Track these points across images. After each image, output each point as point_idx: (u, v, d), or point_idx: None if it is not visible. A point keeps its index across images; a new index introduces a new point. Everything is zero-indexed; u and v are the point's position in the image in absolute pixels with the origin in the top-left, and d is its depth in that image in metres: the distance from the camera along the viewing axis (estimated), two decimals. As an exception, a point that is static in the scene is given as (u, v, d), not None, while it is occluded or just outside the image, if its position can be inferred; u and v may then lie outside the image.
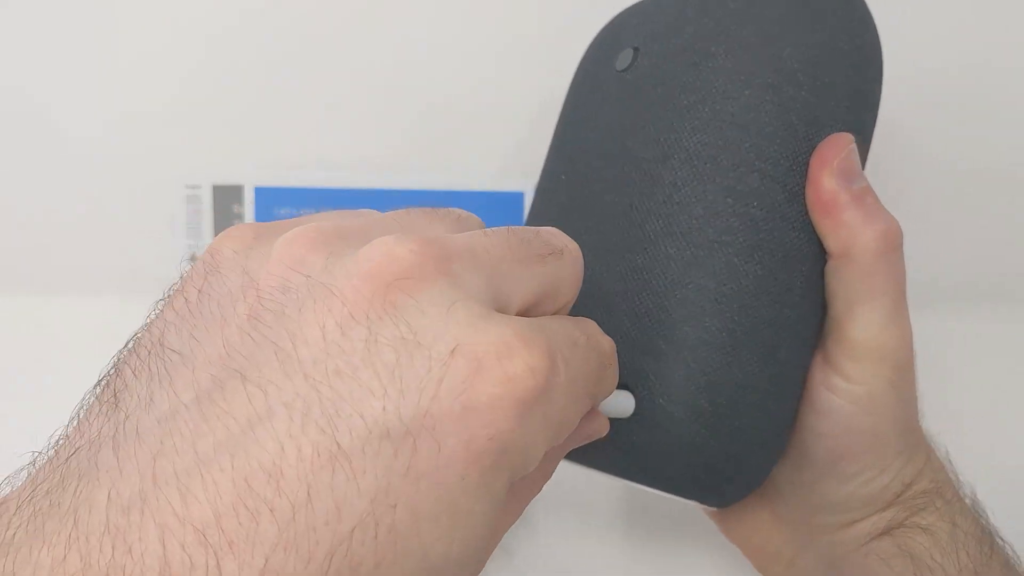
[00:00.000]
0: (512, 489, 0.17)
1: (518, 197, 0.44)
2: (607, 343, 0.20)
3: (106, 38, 0.43)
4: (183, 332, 0.16)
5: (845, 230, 0.25)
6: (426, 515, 0.15)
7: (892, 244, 0.26)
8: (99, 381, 0.17)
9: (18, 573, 0.13)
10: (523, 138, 0.44)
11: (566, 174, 0.31)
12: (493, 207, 0.44)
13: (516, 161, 0.45)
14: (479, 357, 0.15)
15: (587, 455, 0.27)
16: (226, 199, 0.44)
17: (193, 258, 0.45)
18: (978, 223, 0.47)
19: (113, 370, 0.17)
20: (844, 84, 0.27)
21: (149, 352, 0.17)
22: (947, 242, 0.48)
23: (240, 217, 0.44)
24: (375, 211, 0.20)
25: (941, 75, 0.43)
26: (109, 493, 0.14)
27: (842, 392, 0.27)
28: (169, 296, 0.18)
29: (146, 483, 0.14)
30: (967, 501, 0.30)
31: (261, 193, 0.44)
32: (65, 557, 0.13)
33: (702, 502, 0.27)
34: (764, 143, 0.25)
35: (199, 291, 0.17)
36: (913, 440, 0.28)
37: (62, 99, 0.44)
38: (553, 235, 0.20)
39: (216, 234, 0.44)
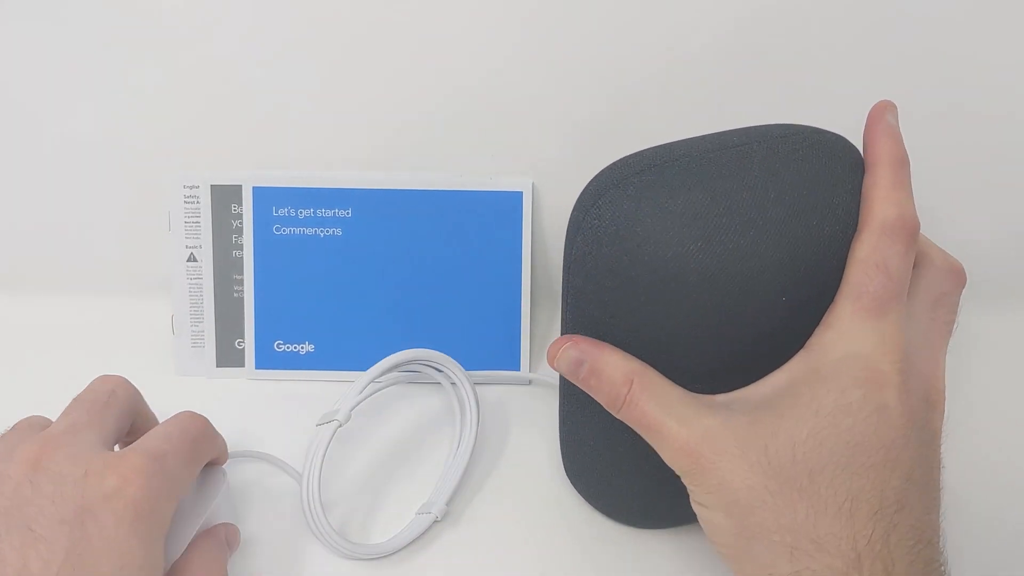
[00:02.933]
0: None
1: (517, 197, 0.44)
2: (196, 425, 0.33)
3: (104, 39, 0.43)
4: None
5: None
6: (100, 556, 0.27)
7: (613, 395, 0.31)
8: None
9: None
10: (523, 138, 0.44)
11: None
12: (493, 206, 0.44)
13: (516, 161, 0.45)
14: (101, 471, 0.29)
15: None
16: (225, 199, 0.44)
17: (192, 258, 0.45)
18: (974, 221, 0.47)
19: None
20: None
21: None
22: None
23: (239, 217, 0.44)
24: (31, 421, 0.33)
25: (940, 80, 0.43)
26: None
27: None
28: None
29: None
30: None
31: (259, 193, 0.44)
32: None
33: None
34: None
35: None
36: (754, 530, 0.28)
37: (60, 100, 0.44)
38: (103, 383, 0.34)
39: (214, 234, 0.45)
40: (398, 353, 0.38)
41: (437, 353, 0.40)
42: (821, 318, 0.30)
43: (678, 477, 0.30)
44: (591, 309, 0.32)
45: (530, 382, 0.45)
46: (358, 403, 0.37)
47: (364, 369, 0.38)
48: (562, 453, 0.39)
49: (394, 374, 0.40)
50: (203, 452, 0.33)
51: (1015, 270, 0.48)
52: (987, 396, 0.43)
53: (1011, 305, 0.48)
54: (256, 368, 0.45)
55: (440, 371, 0.40)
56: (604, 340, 0.31)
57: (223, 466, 0.36)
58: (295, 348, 0.45)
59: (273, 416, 0.42)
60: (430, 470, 0.40)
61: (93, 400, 0.33)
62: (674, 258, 0.29)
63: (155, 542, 0.29)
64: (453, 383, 0.40)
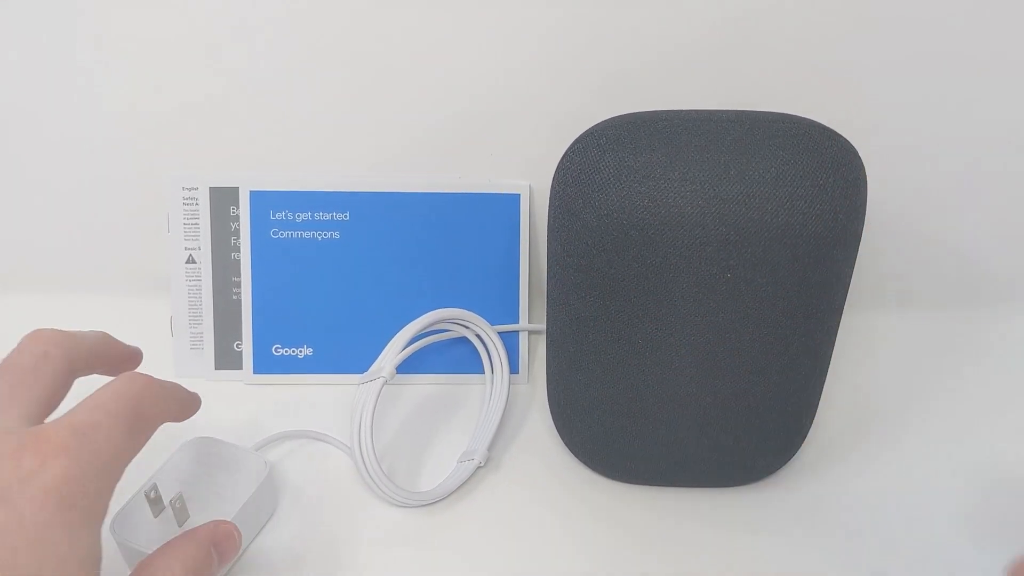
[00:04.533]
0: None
1: (514, 199, 0.44)
2: (135, 386, 0.28)
3: (103, 41, 0.43)
4: None
5: None
6: (16, 547, 0.23)
7: None
8: None
9: None
10: (521, 140, 0.44)
11: None
12: (491, 208, 0.44)
13: (515, 162, 0.45)
14: (15, 452, 0.25)
15: None
16: (223, 201, 0.44)
17: (191, 260, 0.45)
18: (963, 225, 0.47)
19: None
20: None
21: None
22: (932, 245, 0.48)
23: (238, 219, 0.44)
24: None
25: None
26: None
27: None
28: None
29: None
30: None
31: (256, 196, 0.44)
32: None
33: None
34: None
35: None
36: None
37: (60, 102, 0.45)
38: (34, 342, 0.29)
39: (213, 236, 0.44)
40: (429, 313, 0.42)
41: (464, 311, 0.43)
42: (766, 301, 0.31)
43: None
44: (555, 244, 0.33)
45: (528, 380, 0.46)
46: (399, 361, 0.40)
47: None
48: (551, 414, 0.40)
49: (426, 334, 0.43)
50: (149, 415, 0.29)
51: (1015, 270, 0.48)
52: (988, 396, 0.44)
53: (1012, 305, 0.48)
54: (254, 372, 0.45)
55: (467, 328, 0.44)
56: (560, 276, 0.34)
57: (264, 456, 0.37)
58: (293, 352, 0.45)
59: (273, 419, 0.42)
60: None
61: (18, 365, 0.28)
62: (620, 209, 0.31)
63: (84, 529, 0.25)
64: (481, 339, 0.44)
